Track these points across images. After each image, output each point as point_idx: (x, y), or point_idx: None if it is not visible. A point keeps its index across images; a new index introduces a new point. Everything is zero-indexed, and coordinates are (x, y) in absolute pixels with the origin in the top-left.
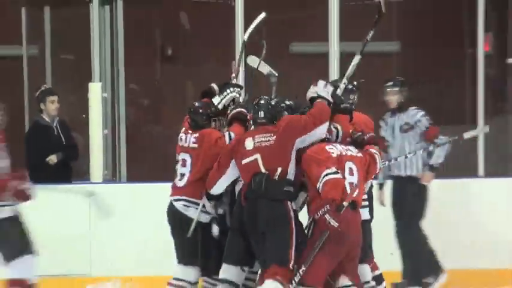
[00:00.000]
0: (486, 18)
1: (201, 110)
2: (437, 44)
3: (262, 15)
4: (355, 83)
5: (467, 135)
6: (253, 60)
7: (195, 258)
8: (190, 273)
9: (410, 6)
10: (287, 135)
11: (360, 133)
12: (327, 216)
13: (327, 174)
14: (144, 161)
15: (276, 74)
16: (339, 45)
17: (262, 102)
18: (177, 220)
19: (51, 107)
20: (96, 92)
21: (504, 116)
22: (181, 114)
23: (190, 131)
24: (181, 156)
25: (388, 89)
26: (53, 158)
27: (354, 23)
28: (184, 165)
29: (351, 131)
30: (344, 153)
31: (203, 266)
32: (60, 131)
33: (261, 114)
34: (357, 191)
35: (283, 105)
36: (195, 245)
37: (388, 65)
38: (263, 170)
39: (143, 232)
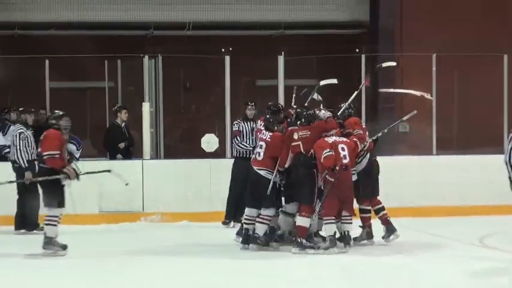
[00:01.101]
0: (366, 65)
1: (271, 120)
2: (340, 80)
3: (334, 80)
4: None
5: (405, 117)
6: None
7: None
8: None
9: (325, 59)
10: (317, 132)
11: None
12: (327, 176)
13: (325, 153)
14: (174, 147)
15: (321, 99)
16: (283, 81)
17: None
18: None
19: (124, 116)
20: (146, 107)
21: (376, 121)
22: (193, 121)
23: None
24: (260, 143)
25: None
26: (121, 145)
27: (294, 68)
28: (261, 148)
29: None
30: (337, 140)
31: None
32: (125, 130)
33: (303, 120)
34: (348, 159)
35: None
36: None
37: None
38: (303, 151)
39: (173, 186)
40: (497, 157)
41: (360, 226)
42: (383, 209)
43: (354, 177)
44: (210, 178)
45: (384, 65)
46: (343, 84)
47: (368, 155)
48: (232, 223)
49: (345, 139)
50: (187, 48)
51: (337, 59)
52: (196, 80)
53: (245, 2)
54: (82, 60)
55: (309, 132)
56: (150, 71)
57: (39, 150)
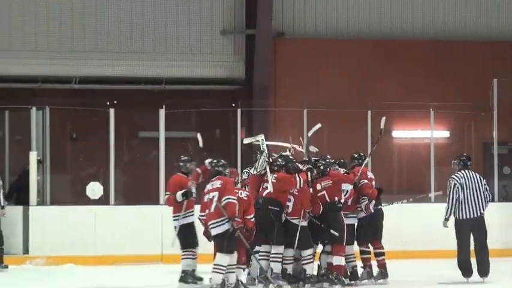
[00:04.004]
0: (242, 119)
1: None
2: (217, 132)
3: (319, 125)
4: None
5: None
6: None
7: None
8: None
9: (203, 112)
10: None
11: None
12: None
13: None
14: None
15: (317, 150)
16: (164, 133)
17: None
18: None
19: None
20: (33, 156)
21: None
22: (78, 169)
23: None
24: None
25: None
26: None
27: (174, 121)
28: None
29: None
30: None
31: None
32: None
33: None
34: (236, 214)
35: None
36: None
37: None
38: (327, 199)
39: (59, 231)
40: None
41: (361, 267)
42: (383, 254)
43: (353, 220)
44: (94, 224)
45: (312, 131)
46: (221, 136)
47: (372, 203)
48: None
49: (245, 194)
50: (74, 101)
51: (215, 113)
52: (83, 131)
53: (128, 58)
54: None
55: (330, 182)
56: (38, 122)
57: None
